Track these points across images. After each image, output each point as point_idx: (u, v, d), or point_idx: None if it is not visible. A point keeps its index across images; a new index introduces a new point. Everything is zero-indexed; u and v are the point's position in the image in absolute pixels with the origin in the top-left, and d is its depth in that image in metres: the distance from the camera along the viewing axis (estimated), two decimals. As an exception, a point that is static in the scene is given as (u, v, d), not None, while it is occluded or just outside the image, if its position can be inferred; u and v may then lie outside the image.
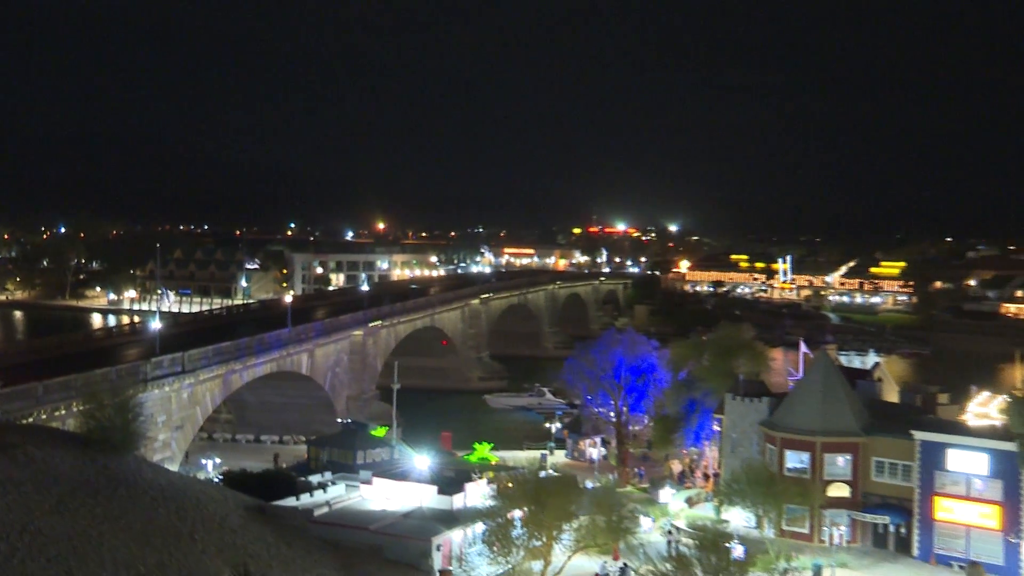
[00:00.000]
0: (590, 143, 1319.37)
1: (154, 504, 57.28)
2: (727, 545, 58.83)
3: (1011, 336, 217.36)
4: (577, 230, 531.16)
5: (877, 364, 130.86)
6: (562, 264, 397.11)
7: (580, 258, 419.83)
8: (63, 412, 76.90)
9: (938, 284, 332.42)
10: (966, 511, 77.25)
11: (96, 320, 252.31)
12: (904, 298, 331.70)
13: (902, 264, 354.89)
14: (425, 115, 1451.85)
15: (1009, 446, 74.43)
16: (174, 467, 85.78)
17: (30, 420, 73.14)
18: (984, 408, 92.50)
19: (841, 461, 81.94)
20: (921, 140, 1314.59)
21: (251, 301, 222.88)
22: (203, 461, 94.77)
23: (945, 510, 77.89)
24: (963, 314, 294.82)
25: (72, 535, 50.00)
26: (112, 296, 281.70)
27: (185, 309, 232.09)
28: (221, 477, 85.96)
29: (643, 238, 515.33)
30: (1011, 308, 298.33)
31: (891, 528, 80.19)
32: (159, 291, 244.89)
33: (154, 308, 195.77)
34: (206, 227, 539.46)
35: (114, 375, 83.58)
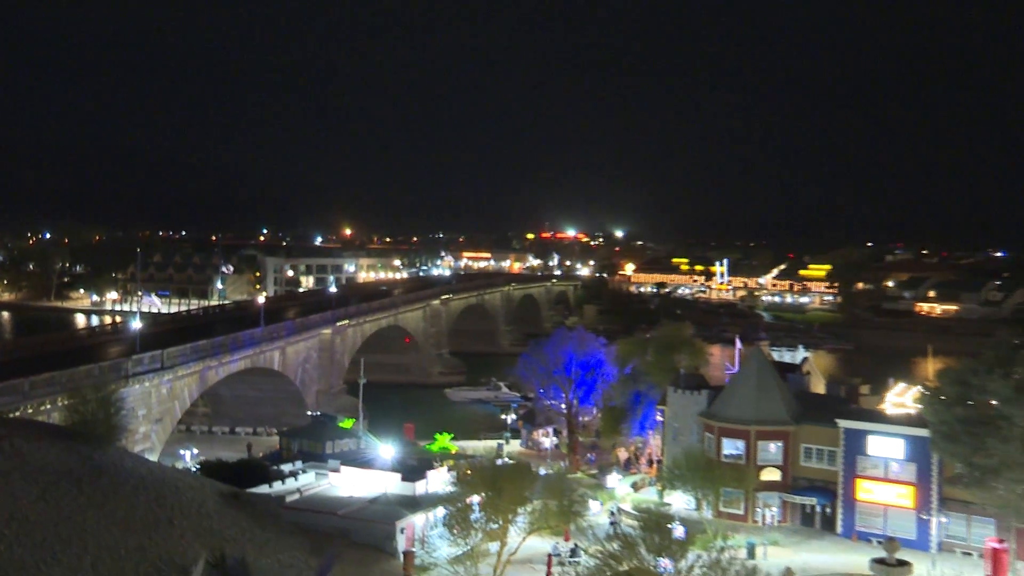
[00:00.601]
0: (543, 155, 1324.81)
1: (135, 492, 56.71)
2: (669, 526, 58.92)
3: (924, 332, 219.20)
4: (530, 236, 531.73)
5: (805, 359, 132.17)
6: (517, 267, 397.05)
7: (533, 262, 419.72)
8: (48, 406, 75.93)
9: (860, 285, 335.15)
10: (884, 492, 78.43)
11: (80, 320, 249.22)
12: (830, 298, 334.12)
13: (828, 267, 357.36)
14: (390, 128, 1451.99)
15: (922, 432, 75.25)
16: (154, 457, 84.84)
17: (17, 414, 72.06)
18: (900, 398, 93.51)
19: (773, 448, 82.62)
20: (846, 153, 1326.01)
21: (226, 302, 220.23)
22: (181, 452, 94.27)
23: (866, 491, 78.98)
24: (882, 312, 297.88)
25: (57, 521, 49.47)
26: (95, 298, 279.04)
27: (164, 310, 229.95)
28: (198, 466, 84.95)
29: (591, 243, 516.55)
30: (924, 307, 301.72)
31: (818, 508, 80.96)
32: (140, 293, 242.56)
33: (135, 309, 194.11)
34: (184, 233, 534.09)
35: (97, 371, 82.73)
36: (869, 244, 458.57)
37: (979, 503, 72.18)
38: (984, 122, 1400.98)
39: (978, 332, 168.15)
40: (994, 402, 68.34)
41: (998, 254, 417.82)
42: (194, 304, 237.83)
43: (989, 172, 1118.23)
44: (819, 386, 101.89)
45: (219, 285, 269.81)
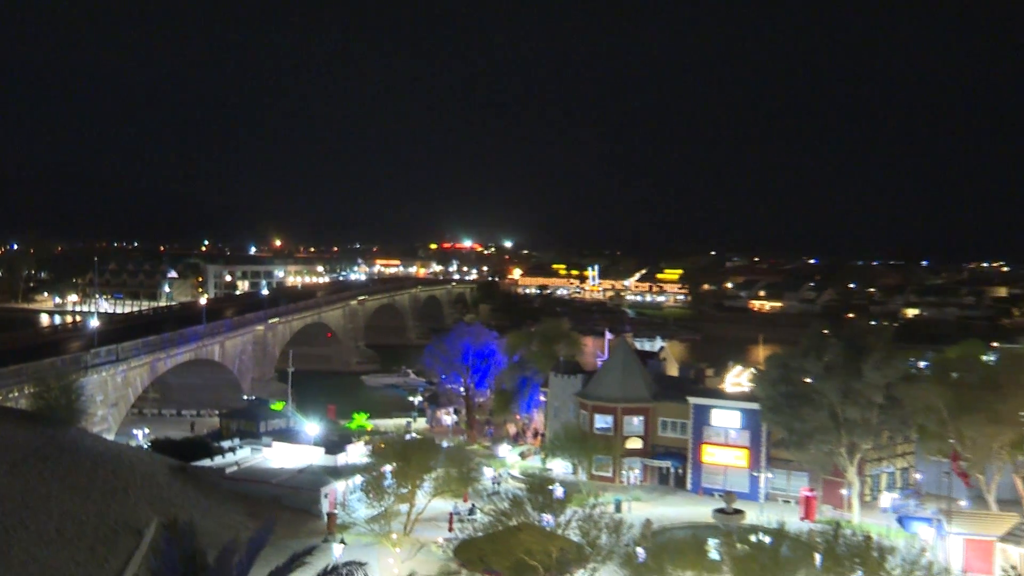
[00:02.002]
0: (445, 177, 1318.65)
1: (94, 466, 55.62)
2: (550, 488, 59.46)
3: (755, 324, 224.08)
4: (433, 245, 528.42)
5: (662, 347, 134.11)
6: (422, 272, 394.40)
7: (436, 268, 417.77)
8: (16, 394, 73.58)
9: (706, 286, 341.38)
10: (724, 455, 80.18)
11: (44, 320, 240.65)
12: (681, 297, 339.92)
13: (680, 272, 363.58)
14: (315, 154, 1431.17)
15: (754, 406, 77.15)
16: (110, 436, 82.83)
17: (-12, 401, 70.21)
18: (738, 378, 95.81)
19: (636, 421, 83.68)
20: (695, 177, 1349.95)
21: (173, 303, 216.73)
22: (134, 431, 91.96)
23: (710, 455, 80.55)
24: (723, 309, 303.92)
25: (25, 492, 48.36)
26: (58, 300, 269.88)
27: (119, 310, 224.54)
28: (149, 444, 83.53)
29: (485, 252, 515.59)
30: (755, 304, 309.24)
31: (672, 470, 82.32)
32: (97, 296, 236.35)
33: (93, 309, 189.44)
34: (136, 244, 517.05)
35: (60, 363, 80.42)
36: (713, 253, 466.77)
37: (796, 461, 74.29)
38: (802, 151, 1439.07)
39: (797, 324, 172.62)
40: (808, 380, 70.39)
41: (812, 261, 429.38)
42: (145, 305, 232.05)
43: (806, 193, 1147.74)
44: (673, 370, 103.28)
45: (166, 289, 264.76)
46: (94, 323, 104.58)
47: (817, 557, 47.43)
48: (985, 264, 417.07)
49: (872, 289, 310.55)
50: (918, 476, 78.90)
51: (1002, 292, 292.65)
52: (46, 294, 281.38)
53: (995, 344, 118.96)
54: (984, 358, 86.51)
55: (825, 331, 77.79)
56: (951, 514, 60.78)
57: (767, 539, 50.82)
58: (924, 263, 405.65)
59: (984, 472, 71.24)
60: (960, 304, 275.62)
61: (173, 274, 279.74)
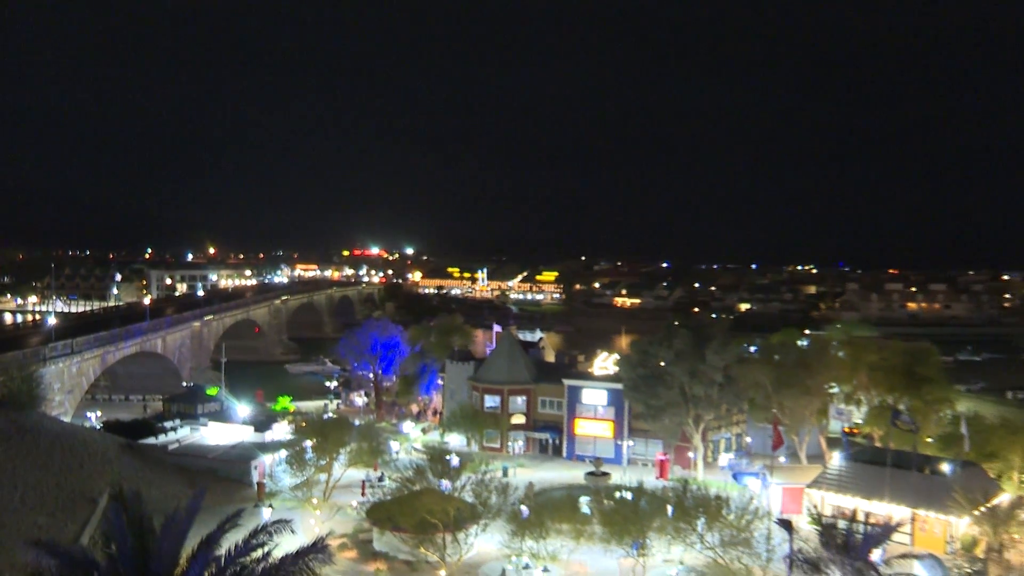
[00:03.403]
0: (356, 192, 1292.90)
1: (52, 445, 54.28)
2: (447, 458, 59.91)
3: (619, 318, 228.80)
4: (346, 252, 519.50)
5: (541, 338, 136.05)
6: (336, 276, 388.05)
7: (349, 271, 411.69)
8: (-18, 383, 70.99)
9: (577, 286, 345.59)
10: (593, 427, 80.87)
11: (7, 318, 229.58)
12: (557, 295, 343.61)
13: (555, 274, 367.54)
14: (245, 172, 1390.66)
15: (618, 386, 77.95)
16: (67, 419, 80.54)
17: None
18: (604, 363, 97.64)
19: (520, 400, 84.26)
20: (566, 193, 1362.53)
21: (120, 304, 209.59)
22: (88, 414, 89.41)
23: (581, 428, 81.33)
24: (592, 305, 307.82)
25: (-9, 468, 47.10)
26: (19, 301, 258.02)
27: (73, 310, 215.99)
28: (101, 425, 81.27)
29: (390, 257, 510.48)
30: (619, 301, 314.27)
31: (550, 441, 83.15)
32: (54, 297, 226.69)
33: (50, 309, 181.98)
34: (88, 252, 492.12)
35: (21, 356, 78.16)
36: (583, 258, 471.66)
37: (652, 431, 75.22)
38: (657, 172, 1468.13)
39: (653, 317, 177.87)
40: (662, 363, 71.56)
41: (664, 265, 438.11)
42: (96, 305, 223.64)
43: (660, 208, 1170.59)
44: (550, 356, 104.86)
45: (114, 291, 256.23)
46: (52, 321, 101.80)
47: (669, 508, 49.16)
48: (800, 267, 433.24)
49: (713, 288, 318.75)
50: (749, 440, 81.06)
51: (812, 290, 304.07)
52: (8, 296, 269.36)
53: (807, 332, 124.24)
54: (799, 343, 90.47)
55: (676, 323, 79.74)
56: (772, 468, 63.55)
57: (629, 495, 52.46)
58: (753, 266, 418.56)
59: (798, 434, 74.79)
60: (781, 300, 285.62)
61: (120, 278, 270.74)
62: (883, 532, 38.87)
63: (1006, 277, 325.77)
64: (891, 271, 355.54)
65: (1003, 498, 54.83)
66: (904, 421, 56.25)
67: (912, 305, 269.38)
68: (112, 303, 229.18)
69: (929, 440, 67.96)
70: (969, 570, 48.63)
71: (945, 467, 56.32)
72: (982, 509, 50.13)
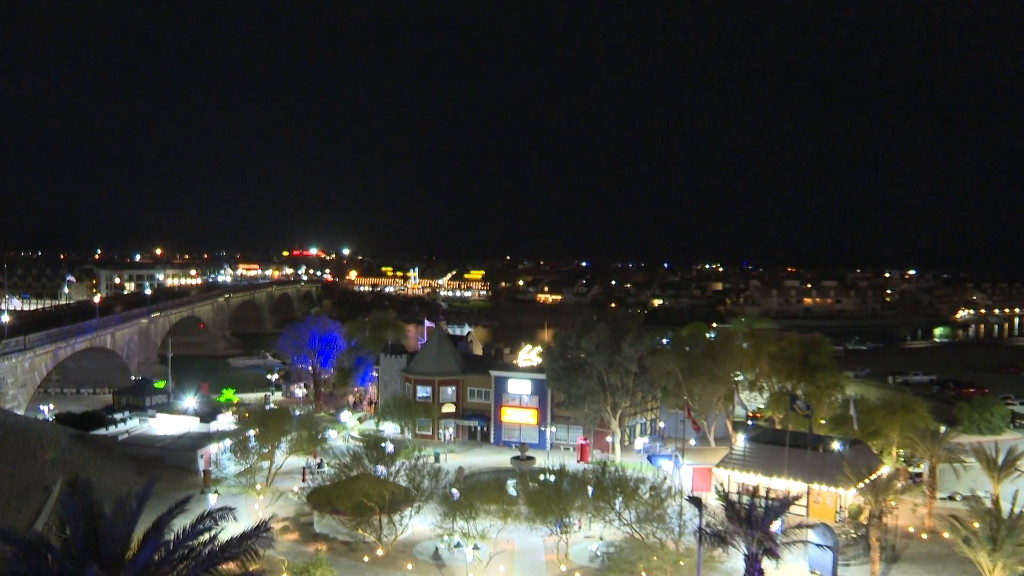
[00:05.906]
0: (295, 196, 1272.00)
1: (7, 436, 52.71)
2: (382, 445, 59.94)
3: (541, 313, 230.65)
4: (285, 252, 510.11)
5: (469, 332, 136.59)
6: (276, 275, 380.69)
7: (288, 270, 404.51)
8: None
9: (503, 284, 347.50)
10: (519, 415, 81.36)
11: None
12: (484, 292, 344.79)
13: (482, 272, 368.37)
14: (191, 176, 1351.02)
15: (541, 376, 78.35)
16: (21, 411, 78.01)
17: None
18: (528, 355, 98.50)
19: (450, 391, 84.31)
20: (495, 196, 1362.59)
21: (71, 302, 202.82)
22: (41, 407, 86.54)
23: (507, 415, 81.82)
24: (516, 301, 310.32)
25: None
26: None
27: (26, 308, 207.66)
28: (54, 417, 78.96)
29: (327, 257, 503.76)
30: (541, 297, 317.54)
31: (479, 428, 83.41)
32: (6, 295, 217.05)
33: (3, 307, 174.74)
34: (40, 252, 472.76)
35: (-25, 353, 75.16)
36: (508, 258, 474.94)
37: (573, 417, 75.86)
38: (574, 178, 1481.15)
39: (573, 312, 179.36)
40: (582, 355, 72.17)
41: (583, 264, 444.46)
42: (47, 304, 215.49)
43: (578, 211, 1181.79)
44: (478, 349, 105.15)
45: (65, 290, 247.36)
46: (4, 319, 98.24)
47: (589, 489, 50.20)
48: (708, 266, 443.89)
49: (628, 285, 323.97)
50: (662, 424, 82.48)
51: (718, 286, 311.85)
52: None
53: (714, 325, 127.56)
54: (707, 335, 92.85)
55: (594, 317, 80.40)
56: (684, 450, 65.30)
57: (552, 478, 53.33)
58: (665, 265, 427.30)
59: (706, 419, 76.90)
60: (690, 295, 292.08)
61: (71, 278, 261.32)
62: (782, 505, 40.58)
63: (887, 275, 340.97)
64: (789, 269, 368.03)
65: (884, 471, 57.67)
66: (800, 406, 58.41)
67: (807, 300, 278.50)
68: (63, 301, 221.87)
69: (823, 422, 70.67)
70: (854, 535, 51.16)
71: (836, 445, 58.74)
72: (866, 481, 52.60)
